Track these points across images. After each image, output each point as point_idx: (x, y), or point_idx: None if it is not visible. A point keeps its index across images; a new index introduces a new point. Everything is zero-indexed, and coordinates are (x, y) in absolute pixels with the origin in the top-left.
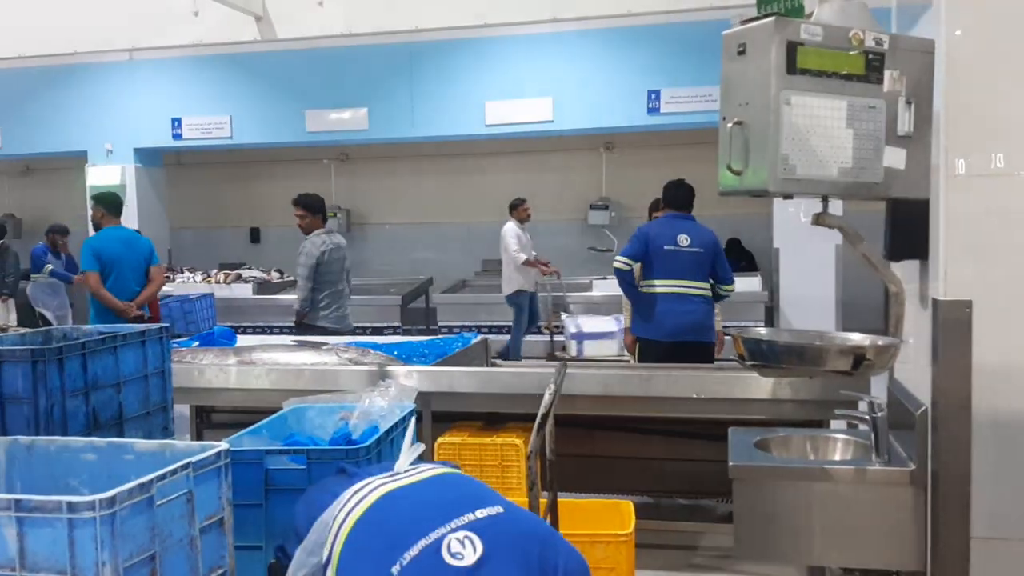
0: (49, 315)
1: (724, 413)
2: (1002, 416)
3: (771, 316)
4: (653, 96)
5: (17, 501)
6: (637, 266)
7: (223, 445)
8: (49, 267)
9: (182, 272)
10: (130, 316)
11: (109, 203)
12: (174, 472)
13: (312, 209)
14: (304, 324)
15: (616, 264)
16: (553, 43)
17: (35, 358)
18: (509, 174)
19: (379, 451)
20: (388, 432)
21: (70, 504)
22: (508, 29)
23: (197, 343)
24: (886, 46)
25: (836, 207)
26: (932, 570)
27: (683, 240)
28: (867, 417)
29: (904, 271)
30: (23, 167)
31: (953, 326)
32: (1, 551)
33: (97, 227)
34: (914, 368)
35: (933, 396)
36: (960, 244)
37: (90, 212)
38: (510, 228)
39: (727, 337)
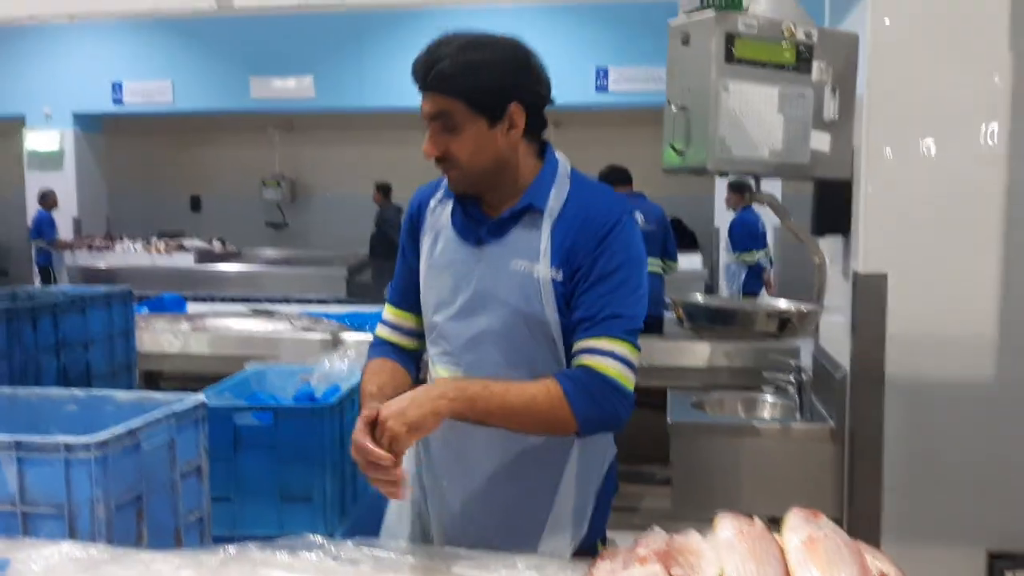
0: None
1: (665, 381)
2: (912, 380)
3: (711, 293)
4: (601, 74)
5: (18, 442)
6: None
7: (201, 398)
8: None
9: (122, 239)
10: None
11: None
12: (158, 421)
13: None
14: None
15: None
16: (505, 18)
17: (10, 316)
18: None
19: (342, 409)
20: (350, 392)
21: (67, 445)
22: (463, 4)
23: (147, 309)
24: (815, 39)
25: (775, 187)
26: (848, 517)
27: (639, 219)
28: (792, 380)
29: (830, 246)
30: None
31: (870, 297)
32: (1, 488)
33: None
34: (837, 336)
35: (852, 361)
36: (877, 221)
37: None
38: None
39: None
